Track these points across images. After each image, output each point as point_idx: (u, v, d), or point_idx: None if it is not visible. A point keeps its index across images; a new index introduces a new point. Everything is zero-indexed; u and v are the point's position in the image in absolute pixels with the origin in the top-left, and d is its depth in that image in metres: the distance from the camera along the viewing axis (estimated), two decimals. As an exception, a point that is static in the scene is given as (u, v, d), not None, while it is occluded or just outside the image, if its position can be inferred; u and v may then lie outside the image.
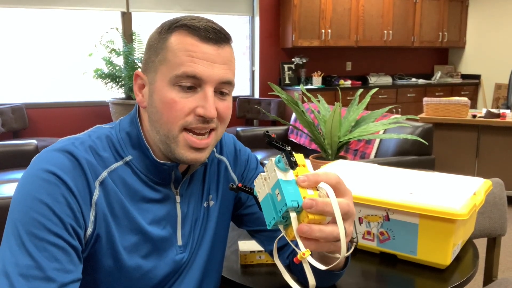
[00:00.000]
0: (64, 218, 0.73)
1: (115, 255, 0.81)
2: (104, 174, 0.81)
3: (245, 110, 5.39)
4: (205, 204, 0.94)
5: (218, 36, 0.81)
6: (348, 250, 0.73)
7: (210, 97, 0.80)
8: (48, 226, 0.71)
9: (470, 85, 6.58)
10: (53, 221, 0.72)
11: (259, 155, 3.92)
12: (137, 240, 0.83)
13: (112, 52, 4.69)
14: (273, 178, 0.65)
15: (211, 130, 0.83)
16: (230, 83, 0.83)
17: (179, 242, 0.89)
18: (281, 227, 0.66)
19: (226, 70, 0.81)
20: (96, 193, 0.79)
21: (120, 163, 0.83)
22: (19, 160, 3.45)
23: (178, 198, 0.89)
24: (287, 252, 1.00)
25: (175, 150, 0.82)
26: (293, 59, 5.81)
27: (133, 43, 4.83)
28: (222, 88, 0.83)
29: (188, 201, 0.91)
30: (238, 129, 4.37)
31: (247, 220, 1.03)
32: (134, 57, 4.70)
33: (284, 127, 4.46)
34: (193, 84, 0.79)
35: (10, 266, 0.68)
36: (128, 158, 0.84)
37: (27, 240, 0.70)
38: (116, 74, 4.64)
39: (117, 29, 4.95)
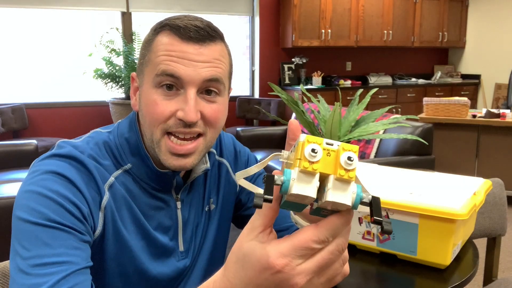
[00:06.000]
0: (74, 212, 0.71)
1: (123, 259, 0.80)
2: (112, 178, 0.80)
3: (245, 110, 5.39)
4: (206, 209, 0.93)
5: (200, 34, 0.76)
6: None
7: (190, 100, 0.75)
8: (60, 220, 0.69)
9: (470, 85, 6.58)
10: (62, 214, 0.70)
11: (259, 155, 3.92)
12: (144, 245, 0.82)
13: (112, 52, 4.69)
14: None
15: (199, 135, 0.79)
16: (217, 81, 0.78)
17: (181, 247, 0.88)
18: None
19: (210, 69, 0.77)
20: (106, 197, 0.77)
21: (120, 171, 0.82)
22: (19, 160, 3.45)
23: (179, 204, 0.88)
24: None
25: (159, 155, 0.79)
26: (293, 59, 5.81)
27: (133, 43, 4.83)
28: (209, 87, 0.78)
29: (189, 206, 0.90)
30: (238, 129, 4.37)
31: (248, 222, 1.02)
32: (134, 57, 4.70)
33: (284, 127, 4.45)
34: (173, 83, 0.76)
35: (24, 262, 0.66)
36: (128, 166, 0.82)
37: (41, 231, 0.68)
38: (116, 74, 4.64)
39: (117, 29, 4.95)
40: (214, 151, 0.97)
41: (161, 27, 0.79)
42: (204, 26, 0.77)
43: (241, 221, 1.04)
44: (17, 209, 0.71)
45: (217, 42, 0.79)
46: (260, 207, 0.49)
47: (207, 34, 0.77)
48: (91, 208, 0.75)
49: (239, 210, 1.02)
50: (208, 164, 0.91)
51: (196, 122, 0.77)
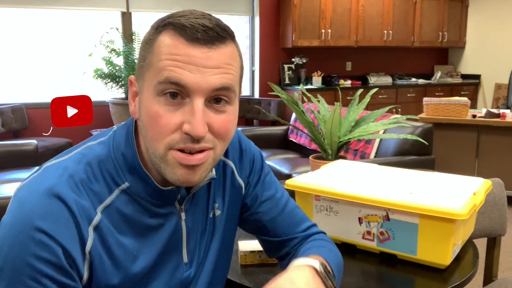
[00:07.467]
0: (56, 277, 0.66)
1: None
2: (98, 216, 0.71)
3: (245, 110, 5.39)
4: (211, 215, 0.86)
5: (208, 36, 0.67)
6: None
7: (197, 111, 0.66)
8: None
9: (470, 85, 6.58)
10: (44, 283, 0.65)
11: (259, 155, 3.91)
12: (142, 275, 0.76)
13: (112, 52, 4.69)
14: None
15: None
16: (227, 89, 0.69)
17: (185, 259, 0.82)
18: None
19: (220, 75, 0.68)
20: (90, 241, 0.69)
21: (115, 193, 0.73)
22: (19, 160, 3.44)
23: (183, 215, 0.80)
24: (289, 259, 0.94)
25: (165, 170, 0.70)
26: (293, 59, 5.81)
27: (133, 43, 4.84)
28: (218, 95, 0.69)
29: (193, 214, 0.82)
30: (238, 129, 4.37)
31: (252, 227, 0.96)
32: (134, 57, 4.70)
33: (284, 127, 4.46)
34: (178, 91, 0.67)
35: None
36: (125, 185, 0.73)
37: None
38: (116, 74, 4.64)
39: (117, 29, 4.95)
40: None
41: (163, 26, 0.70)
42: (213, 25, 0.68)
43: (245, 224, 0.96)
44: (3, 252, 0.66)
45: (227, 44, 0.70)
46: None
47: (217, 35, 0.68)
48: (75, 259, 0.68)
49: (244, 214, 0.94)
50: (214, 172, 0.83)
51: (204, 136, 0.68)
